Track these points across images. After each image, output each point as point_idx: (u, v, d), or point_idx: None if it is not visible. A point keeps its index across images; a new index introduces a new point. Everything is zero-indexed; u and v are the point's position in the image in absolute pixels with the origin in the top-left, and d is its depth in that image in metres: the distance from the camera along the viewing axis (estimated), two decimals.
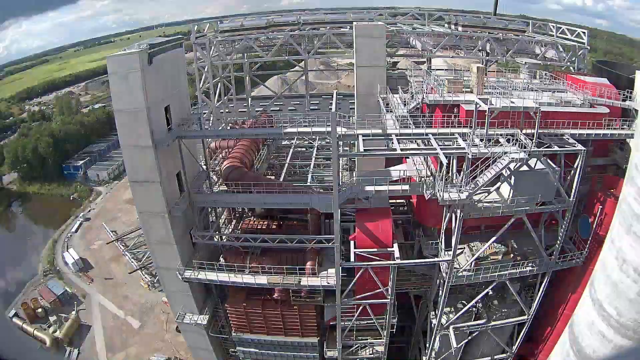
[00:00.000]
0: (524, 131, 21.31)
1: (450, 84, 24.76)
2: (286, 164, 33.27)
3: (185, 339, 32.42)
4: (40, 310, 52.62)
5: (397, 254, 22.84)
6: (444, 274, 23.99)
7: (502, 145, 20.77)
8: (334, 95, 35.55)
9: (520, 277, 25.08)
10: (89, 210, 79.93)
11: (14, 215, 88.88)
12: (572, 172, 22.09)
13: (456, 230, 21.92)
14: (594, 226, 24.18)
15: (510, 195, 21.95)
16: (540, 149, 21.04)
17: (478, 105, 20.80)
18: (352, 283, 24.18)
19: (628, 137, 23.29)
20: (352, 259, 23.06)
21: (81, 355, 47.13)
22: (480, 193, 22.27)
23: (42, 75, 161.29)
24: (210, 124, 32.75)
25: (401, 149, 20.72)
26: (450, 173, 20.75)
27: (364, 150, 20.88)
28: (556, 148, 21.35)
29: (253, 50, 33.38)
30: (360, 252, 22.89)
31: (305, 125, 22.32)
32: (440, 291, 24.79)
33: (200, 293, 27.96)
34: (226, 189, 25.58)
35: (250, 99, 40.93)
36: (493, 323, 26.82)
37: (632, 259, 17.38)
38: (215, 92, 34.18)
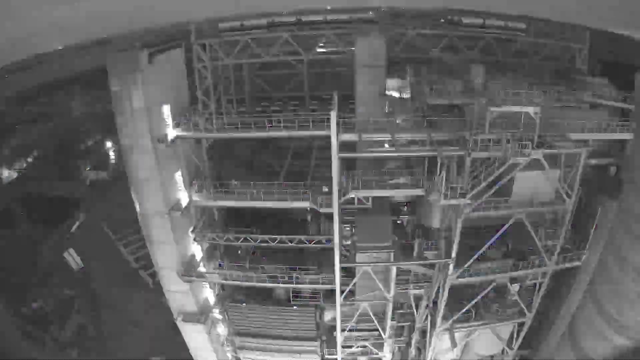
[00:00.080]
0: (524, 132, 21.30)
1: (451, 84, 24.74)
2: (286, 164, 33.20)
3: (185, 339, 32.40)
4: None
5: (396, 254, 22.83)
6: (443, 274, 23.99)
7: (502, 145, 20.77)
8: (334, 95, 35.41)
9: (520, 277, 25.07)
10: (89, 210, 79.88)
11: (14, 215, 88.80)
12: (572, 172, 22.09)
13: (456, 230, 21.93)
14: (594, 226, 24.18)
15: (511, 195, 21.94)
16: (540, 149, 21.04)
17: (478, 106, 20.82)
18: (352, 283, 24.17)
19: (628, 138, 23.29)
20: (352, 259, 23.05)
21: None
22: (480, 194, 22.26)
23: (42, 75, 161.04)
24: (210, 124, 32.65)
25: (401, 150, 20.71)
26: (450, 174, 20.74)
27: (364, 150, 20.89)
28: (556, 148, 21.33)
29: (253, 50, 33.31)
30: (360, 252, 22.88)
31: (305, 126, 22.35)
32: (440, 291, 24.78)
33: (200, 293, 27.95)
34: (226, 189, 25.57)
35: (250, 99, 40.83)
36: (493, 323, 26.81)
37: (632, 259, 17.39)
38: (215, 92, 34.11)
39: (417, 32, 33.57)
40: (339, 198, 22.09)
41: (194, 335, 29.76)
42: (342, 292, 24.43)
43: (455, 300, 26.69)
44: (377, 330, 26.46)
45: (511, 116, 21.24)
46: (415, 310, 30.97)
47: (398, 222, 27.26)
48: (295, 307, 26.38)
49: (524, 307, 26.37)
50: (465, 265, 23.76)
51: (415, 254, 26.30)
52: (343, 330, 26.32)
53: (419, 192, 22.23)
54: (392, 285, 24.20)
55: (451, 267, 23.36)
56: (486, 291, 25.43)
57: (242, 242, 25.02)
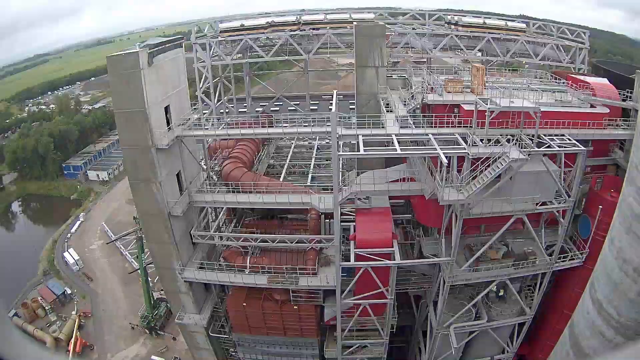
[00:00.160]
0: (524, 131, 21.31)
1: (450, 84, 24.74)
2: (286, 164, 33.24)
3: (185, 339, 32.41)
4: (40, 310, 52.66)
5: (397, 254, 22.81)
6: (443, 274, 23.99)
7: (502, 145, 20.78)
8: (334, 95, 35.52)
9: (521, 277, 25.07)
10: (89, 210, 79.95)
11: (14, 215, 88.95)
12: (572, 172, 22.08)
13: (456, 230, 21.93)
14: (594, 226, 24.17)
15: (511, 195, 21.94)
16: (540, 149, 21.02)
17: (478, 105, 20.82)
18: (352, 283, 24.16)
19: (628, 137, 23.28)
20: (352, 259, 23.05)
21: None
22: (480, 193, 22.27)
23: (42, 75, 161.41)
24: (210, 124, 32.75)
25: (401, 149, 20.71)
26: (450, 173, 20.74)
27: (364, 150, 20.88)
28: (556, 148, 21.32)
29: (253, 50, 33.35)
30: (360, 252, 22.85)
31: (305, 126, 22.30)
32: (440, 291, 24.78)
33: (200, 293, 27.96)
34: (226, 189, 25.59)
35: (250, 99, 40.91)
36: (493, 323, 26.80)
37: (632, 258, 17.34)
38: (215, 92, 34.17)
39: (417, 32, 33.62)
40: (339, 198, 22.09)
41: (193, 335, 29.78)
42: (342, 291, 24.42)
43: (456, 300, 26.73)
44: (377, 330, 26.44)
45: (511, 115, 21.26)
46: (415, 310, 31.02)
47: (398, 221, 27.26)
48: (295, 307, 26.34)
49: (524, 307, 26.39)
50: (465, 265, 23.76)
51: (415, 253, 26.34)
52: (343, 330, 26.31)
53: (419, 191, 22.20)
54: (393, 285, 24.18)
55: (451, 266, 23.33)
56: (486, 291, 25.43)
57: (242, 242, 25.02)
